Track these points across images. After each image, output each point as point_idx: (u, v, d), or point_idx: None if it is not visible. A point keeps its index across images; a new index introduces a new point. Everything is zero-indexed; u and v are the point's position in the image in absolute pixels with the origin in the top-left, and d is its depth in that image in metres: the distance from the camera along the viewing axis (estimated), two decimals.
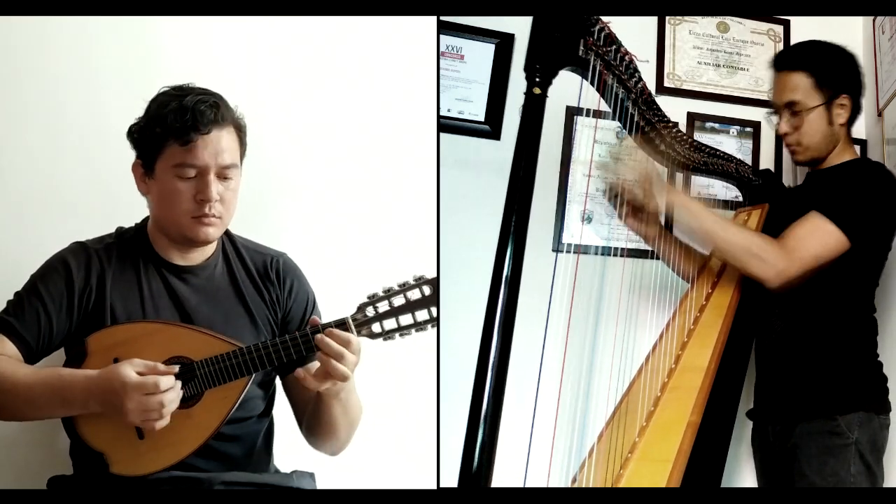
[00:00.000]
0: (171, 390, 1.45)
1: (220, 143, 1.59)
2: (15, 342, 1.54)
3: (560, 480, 1.72)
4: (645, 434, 1.70)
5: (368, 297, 1.50)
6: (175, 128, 1.56)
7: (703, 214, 1.81)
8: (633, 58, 1.67)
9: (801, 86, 1.88)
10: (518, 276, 1.34)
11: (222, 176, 1.60)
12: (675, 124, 1.86)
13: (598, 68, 1.57)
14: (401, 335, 1.50)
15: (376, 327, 1.50)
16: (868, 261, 1.83)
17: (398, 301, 1.49)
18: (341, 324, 1.49)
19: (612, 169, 1.91)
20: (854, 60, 1.93)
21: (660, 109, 1.80)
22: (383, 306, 1.49)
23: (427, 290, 1.49)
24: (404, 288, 1.49)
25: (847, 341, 1.84)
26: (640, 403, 1.76)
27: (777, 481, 1.90)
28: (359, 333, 1.49)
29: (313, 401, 1.63)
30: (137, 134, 1.63)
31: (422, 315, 1.49)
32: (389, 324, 1.50)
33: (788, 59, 1.95)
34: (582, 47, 1.52)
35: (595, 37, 1.54)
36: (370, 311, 1.49)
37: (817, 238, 1.75)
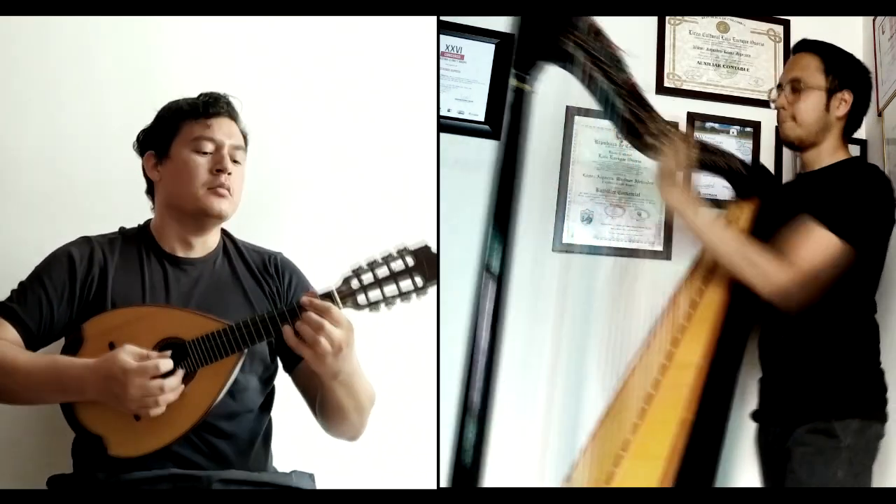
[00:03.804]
0: (171, 376, 1.47)
1: (231, 127, 1.69)
2: (16, 327, 1.57)
3: (554, 478, 1.72)
4: (638, 431, 1.70)
5: (353, 270, 1.52)
6: (192, 109, 1.66)
7: (709, 227, 1.82)
8: (623, 53, 1.67)
9: (810, 66, 1.94)
10: (506, 271, 1.37)
11: (232, 157, 1.67)
12: (671, 123, 1.85)
13: (584, 63, 1.59)
14: (386, 305, 1.52)
15: (361, 298, 1.51)
16: (867, 265, 1.83)
17: (382, 272, 1.51)
18: (327, 295, 1.51)
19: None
20: (866, 70, 1.98)
21: (648, 103, 1.79)
22: (368, 278, 1.51)
23: (410, 261, 1.51)
24: (388, 259, 1.51)
25: (849, 346, 1.84)
26: (634, 401, 1.76)
27: (774, 482, 1.90)
28: (344, 305, 1.51)
29: (321, 388, 1.63)
30: (149, 130, 1.71)
31: (406, 285, 1.51)
32: (374, 295, 1.51)
33: (805, 44, 2.00)
34: (569, 42, 1.56)
35: (582, 31, 1.57)
36: (355, 283, 1.51)
37: (812, 246, 1.73)
